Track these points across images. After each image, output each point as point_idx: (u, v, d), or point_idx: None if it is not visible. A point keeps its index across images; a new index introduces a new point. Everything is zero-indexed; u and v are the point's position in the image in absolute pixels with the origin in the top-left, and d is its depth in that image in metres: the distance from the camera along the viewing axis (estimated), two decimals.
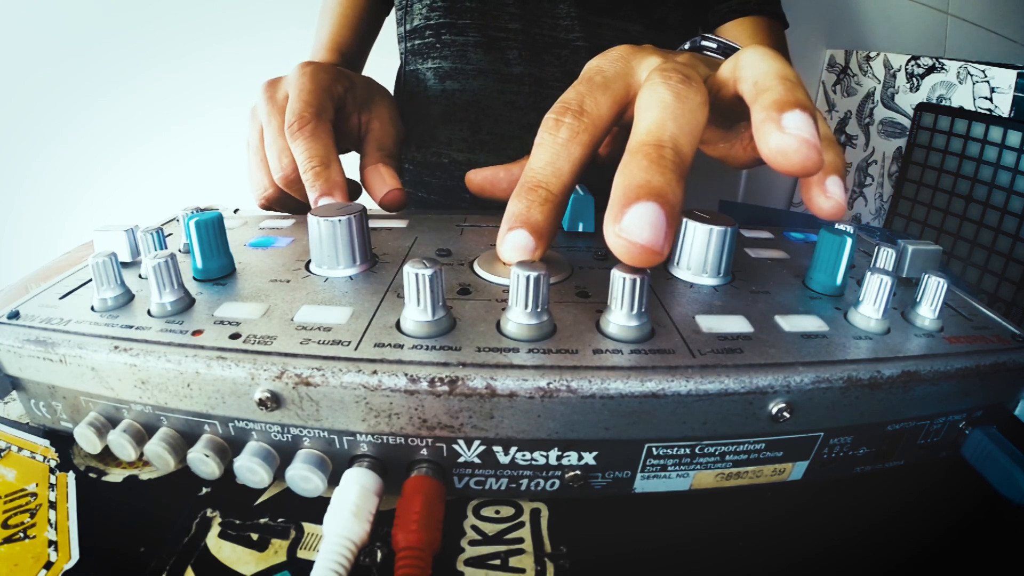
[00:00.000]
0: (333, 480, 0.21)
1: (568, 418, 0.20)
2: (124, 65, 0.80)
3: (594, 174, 0.27)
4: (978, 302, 0.27)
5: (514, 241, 0.23)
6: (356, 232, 0.26)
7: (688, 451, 0.21)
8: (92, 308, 0.24)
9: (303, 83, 0.36)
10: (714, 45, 0.35)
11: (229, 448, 0.21)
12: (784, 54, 0.45)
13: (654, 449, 0.21)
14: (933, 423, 0.23)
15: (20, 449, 0.25)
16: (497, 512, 0.22)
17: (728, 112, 0.26)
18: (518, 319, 0.21)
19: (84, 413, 0.23)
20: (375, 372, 0.19)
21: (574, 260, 0.29)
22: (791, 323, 0.23)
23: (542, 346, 0.21)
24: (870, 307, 0.23)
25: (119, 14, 0.79)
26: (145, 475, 0.23)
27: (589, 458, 0.21)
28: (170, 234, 0.33)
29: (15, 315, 0.23)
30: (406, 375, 0.19)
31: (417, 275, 0.20)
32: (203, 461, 0.21)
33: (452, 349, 0.20)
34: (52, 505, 0.22)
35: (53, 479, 0.23)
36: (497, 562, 0.20)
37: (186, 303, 0.23)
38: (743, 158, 0.30)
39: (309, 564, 0.18)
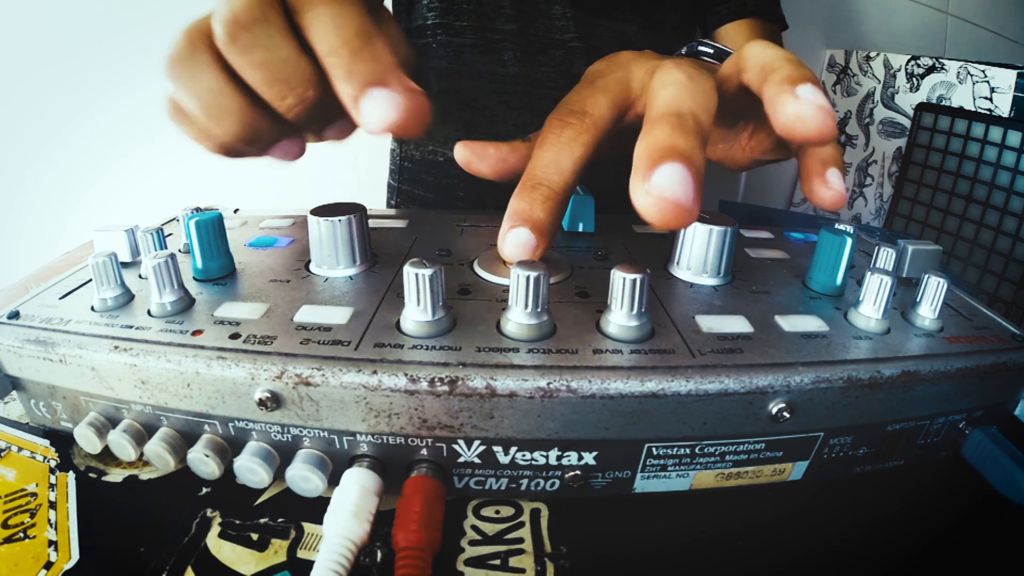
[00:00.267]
0: (333, 480, 0.21)
1: (568, 418, 0.20)
2: (124, 65, 0.79)
3: (594, 174, 0.27)
4: (978, 302, 0.27)
5: (516, 239, 0.23)
6: (356, 232, 0.26)
7: (688, 451, 0.21)
8: (92, 308, 0.23)
9: None
10: (710, 51, 0.35)
11: (229, 448, 0.21)
12: None
13: (654, 449, 0.21)
14: (933, 423, 0.23)
15: (20, 449, 0.25)
16: (497, 512, 0.22)
17: (730, 110, 0.26)
18: (518, 319, 0.21)
19: (84, 413, 0.23)
20: (375, 372, 0.19)
21: (574, 260, 0.29)
22: (791, 323, 0.23)
23: (542, 346, 0.21)
24: (870, 307, 0.23)
25: (119, 14, 0.79)
26: (145, 475, 0.23)
27: (589, 458, 0.21)
28: (170, 234, 0.33)
29: (15, 315, 0.23)
30: (406, 375, 0.19)
31: (417, 275, 0.20)
32: (203, 461, 0.21)
33: (452, 349, 0.20)
34: (52, 505, 0.22)
35: (53, 479, 0.23)
36: (497, 562, 0.20)
37: (186, 303, 0.23)
38: (742, 159, 0.30)
39: (309, 564, 0.18)
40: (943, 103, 0.66)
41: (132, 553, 0.20)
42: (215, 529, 0.21)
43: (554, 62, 0.53)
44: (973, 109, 0.62)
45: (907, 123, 0.70)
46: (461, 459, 0.21)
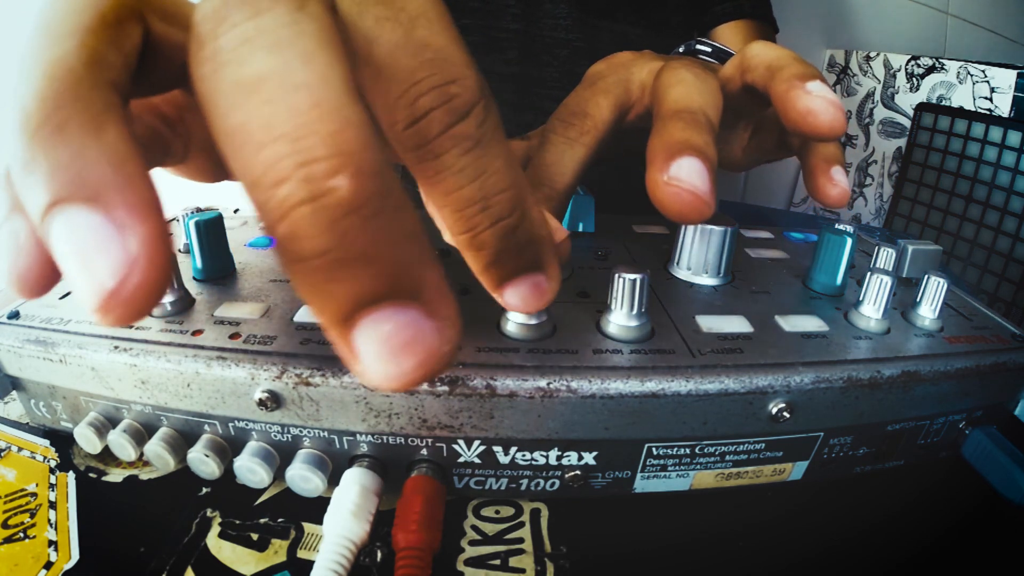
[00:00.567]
0: (333, 480, 0.21)
1: (568, 418, 0.20)
2: None
3: (594, 174, 0.27)
4: (978, 302, 0.27)
5: None
6: None
7: (688, 451, 0.21)
8: None
9: None
10: (709, 49, 0.35)
11: (229, 448, 0.21)
12: None
13: (654, 449, 0.21)
14: (933, 423, 0.23)
15: (20, 449, 0.25)
16: (497, 512, 0.22)
17: (731, 110, 0.26)
18: (518, 319, 0.21)
19: (84, 413, 0.23)
20: None
21: (574, 260, 0.29)
22: (791, 323, 0.23)
23: (542, 346, 0.21)
24: (870, 307, 0.23)
25: None
26: (145, 475, 0.23)
27: (589, 458, 0.21)
28: (170, 234, 0.33)
29: (15, 315, 0.23)
30: None
31: None
32: (203, 461, 0.21)
33: None
34: (52, 505, 0.22)
35: (53, 479, 0.23)
36: (497, 562, 0.20)
37: (186, 303, 0.23)
38: (741, 159, 0.30)
39: (309, 564, 0.18)
40: (943, 103, 0.66)
41: (132, 553, 0.20)
42: (215, 529, 0.21)
43: (557, 62, 0.53)
44: (973, 109, 0.62)
45: (907, 123, 0.70)
46: (461, 459, 0.21)
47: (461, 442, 0.20)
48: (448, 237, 0.16)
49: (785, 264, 0.30)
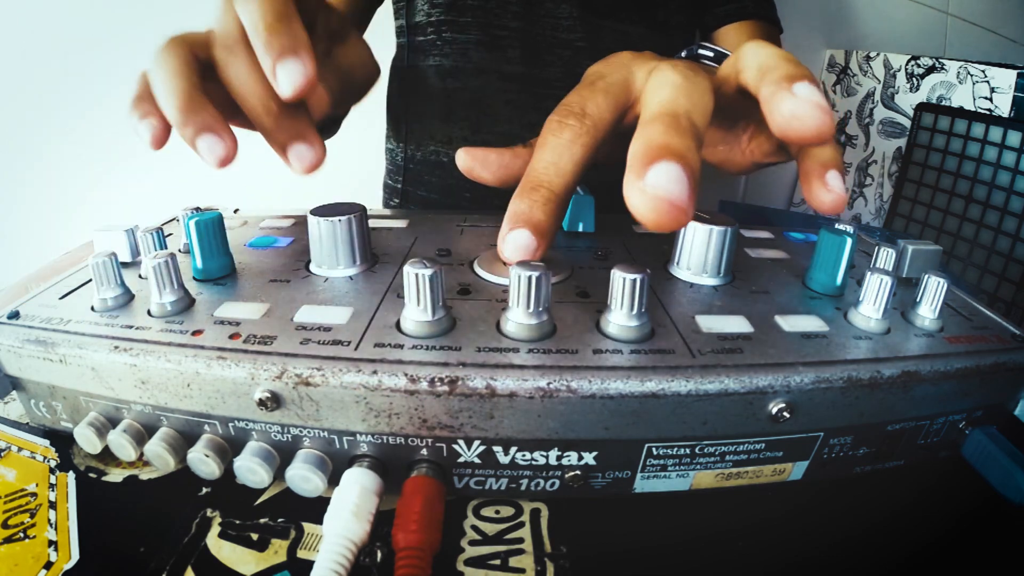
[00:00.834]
0: (333, 480, 0.21)
1: (568, 418, 0.20)
2: (125, 65, 0.80)
3: (594, 175, 0.27)
4: (978, 302, 0.27)
5: (516, 240, 0.23)
6: (356, 232, 0.26)
7: (688, 451, 0.21)
8: (92, 308, 0.23)
9: None
10: (710, 54, 0.35)
11: (229, 448, 0.21)
12: None
13: (654, 449, 0.21)
14: (933, 423, 0.23)
15: (20, 449, 0.25)
16: (497, 512, 0.22)
17: (729, 111, 0.26)
18: (518, 319, 0.21)
19: (84, 413, 0.23)
20: (375, 372, 0.19)
21: (574, 260, 0.29)
22: (791, 323, 0.23)
23: (542, 346, 0.21)
24: (870, 307, 0.23)
25: (120, 13, 0.79)
26: (145, 475, 0.23)
27: (589, 458, 0.21)
28: (170, 234, 0.33)
29: (15, 315, 0.23)
30: (406, 375, 0.19)
31: (417, 275, 0.20)
32: (203, 461, 0.21)
33: (452, 349, 0.20)
34: (52, 505, 0.22)
35: (53, 479, 0.23)
36: (497, 562, 0.20)
37: (186, 303, 0.23)
38: (741, 162, 0.30)
39: (309, 564, 0.18)
40: (943, 103, 0.66)
41: (132, 553, 0.20)
42: (215, 529, 0.21)
43: (560, 62, 0.53)
44: (973, 109, 0.62)
45: (907, 123, 0.70)
46: (461, 459, 0.21)
47: (461, 442, 0.20)
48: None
49: (785, 264, 0.30)
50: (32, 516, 0.21)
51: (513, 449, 0.20)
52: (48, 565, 0.19)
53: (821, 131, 0.20)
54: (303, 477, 0.20)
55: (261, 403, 0.20)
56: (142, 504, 0.22)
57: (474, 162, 0.29)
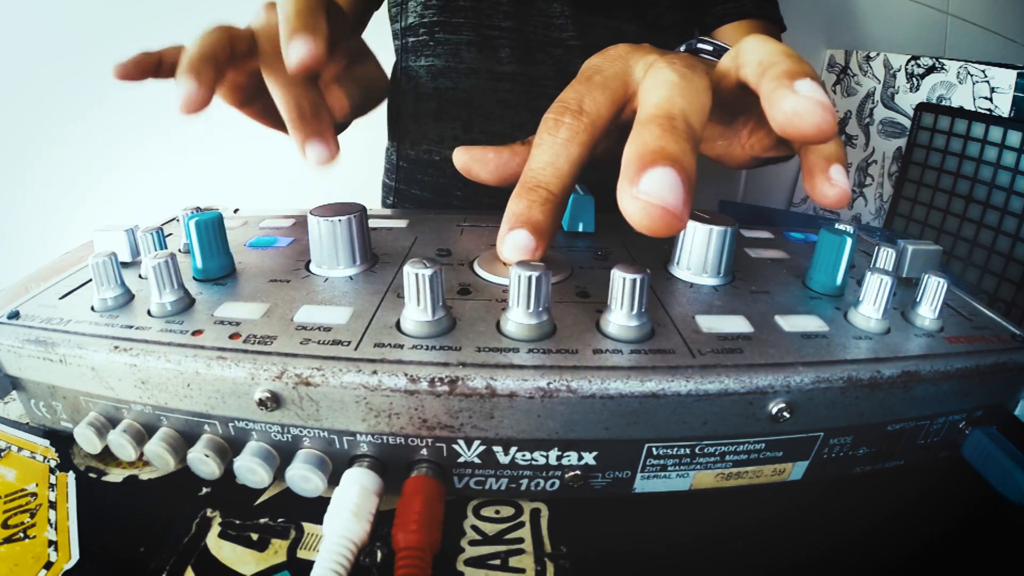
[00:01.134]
0: (333, 480, 0.21)
1: (568, 418, 0.20)
2: None
3: (593, 174, 0.27)
4: (978, 302, 0.27)
5: (515, 241, 0.23)
6: (356, 232, 0.26)
7: (688, 451, 0.21)
8: (92, 308, 0.23)
9: None
10: (710, 48, 0.35)
11: (229, 448, 0.21)
12: None
13: (654, 449, 0.21)
14: (933, 423, 0.23)
15: (20, 449, 0.25)
16: (497, 512, 0.22)
17: (728, 106, 0.26)
18: (518, 319, 0.21)
19: (84, 413, 0.23)
20: (375, 372, 0.19)
21: (574, 260, 0.29)
22: (791, 323, 0.23)
23: (542, 346, 0.21)
24: (870, 307, 0.23)
25: (120, 13, 0.79)
26: (145, 475, 0.23)
27: (589, 458, 0.21)
28: (170, 234, 0.33)
29: (15, 315, 0.23)
30: (406, 375, 0.19)
31: (417, 275, 0.20)
32: (203, 461, 0.21)
33: (452, 349, 0.20)
34: (52, 505, 0.22)
35: (53, 479, 0.23)
36: (497, 562, 0.20)
37: (186, 303, 0.23)
38: (741, 157, 0.30)
39: (309, 564, 0.18)
40: (943, 103, 0.66)
41: (132, 553, 0.20)
42: (215, 529, 0.21)
43: (552, 60, 0.53)
44: (973, 109, 0.62)
45: (907, 123, 0.70)
46: (461, 459, 0.21)
47: (461, 442, 0.20)
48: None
49: (785, 264, 0.30)
50: (32, 516, 0.21)
51: (513, 449, 0.20)
52: (48, 565, 0.19)
53: (822, 129, 0.19)
54: (303, 477, 0.20)
55: (261, 403, 0.20)
56: (142, 504, 0.22)
57: (472, 161, 0.29)
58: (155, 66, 0.29)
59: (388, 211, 0.38)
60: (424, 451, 0.21)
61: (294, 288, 0.25)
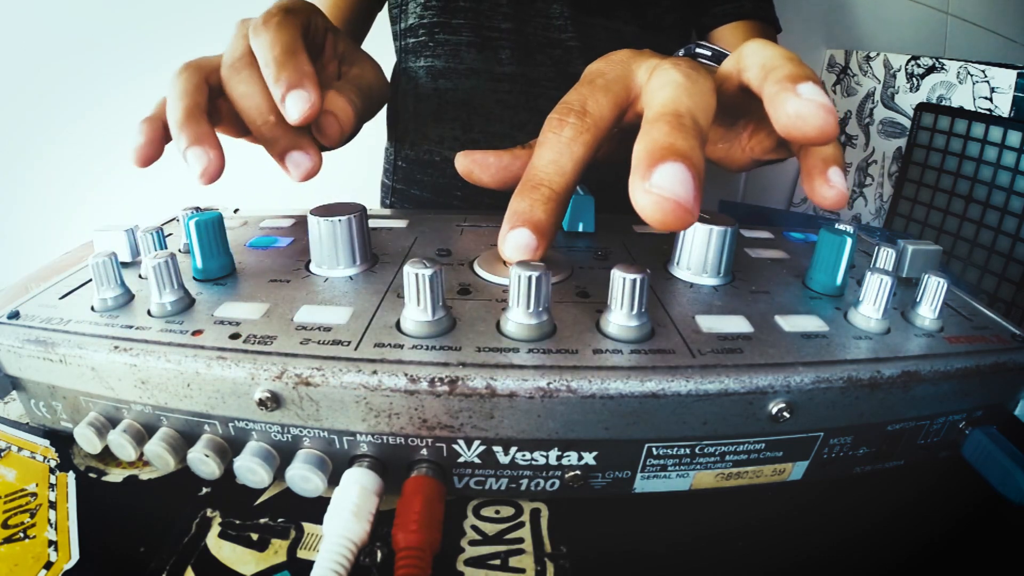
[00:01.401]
0: (333, 480, 0.21)
1: (568, 418, 0.20)
2: (125, 64, 0.80)
3: (593, 175, 0.27)
4: (978, 302, 0.27)
5: (516, 239, 0.23)
6: (356, 232, 0.26)
7: (688, 451, 0.21)
8: (92, 308, 0.23)
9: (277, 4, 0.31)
10: (708, 52, 0.35)
11: (229, 448, 0.21)
12: None
13: (654, 449, 0.21)
14: (933, 423, 0.23)
15: (20, 449, 0.25)
16: (497, 512, 0.22)
17: (730, 109, 0.26)
18: (518, 319, 0.21)
19: (84, 413, 0.23)
20: (375, 372, 0.19)
21: (574, 260, 0.29)
22: (791, 323, 0.23)
23: (542, 346, 0.21)
24: (870, 307, 0.23)
25: (120, 13, 0.79)
26: (145, 475, 0.23)
27: (589, 458, 0.21)
28: (170, 234, 0.33)
29: (15, 315, 0.23)
30: (406, 375, 0.19)
31: (417, 275, 0.20)
32: (203, 461, 0.21)
33: (452, 349, 0.20)
34: (52, 505, 0.22)
35: (53, 479, 0.23)
36: (497, 562, 0.20)
37: (186, 303, 0.23)
38: (741, 159, 0.30)
39: (309, 564, 0.18)
40: (943, 103, 0.66)
41: (132, 553, 0.20)
42: (215, 529, 0.21)
43: (551, 61, 0.53)
44: (973, 109, 0.62)
45: (907, 123, 0.70)
46: (461, 459, 0.21)
47: (461, 442, 0.20)
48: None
49: (785, 264, 0.30)
50: (32, 516, 0.21)
51: (513, 449, 0.20)
52: (48, 565, 0.19)
53: (825, 131, 0.20)
54: (303, 477, 0.20)
55: (261, 403, 0.20)
56: (142, 504, 0.22)
57: (473, 165, 0.30)
58: (164, 130, 0.29)
59: (388, 211, 0.38)
60: (424, 451, 0.21)
61: (294, 288, 0.25)
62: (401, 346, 0.21)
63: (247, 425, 0.21)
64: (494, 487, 0.22)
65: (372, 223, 0.33)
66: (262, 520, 0.21)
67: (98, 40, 0.80)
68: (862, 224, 0.76)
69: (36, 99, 0.84)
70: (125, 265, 0.28)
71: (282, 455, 0.21)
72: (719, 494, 0.23)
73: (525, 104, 0.54)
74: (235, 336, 0.21)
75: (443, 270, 0.21)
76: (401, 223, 0.34)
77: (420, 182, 0.59)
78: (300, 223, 0.34)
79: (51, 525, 0.21)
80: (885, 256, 0.27)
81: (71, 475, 0.23)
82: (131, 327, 0.22)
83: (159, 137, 0.29)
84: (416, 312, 0.21)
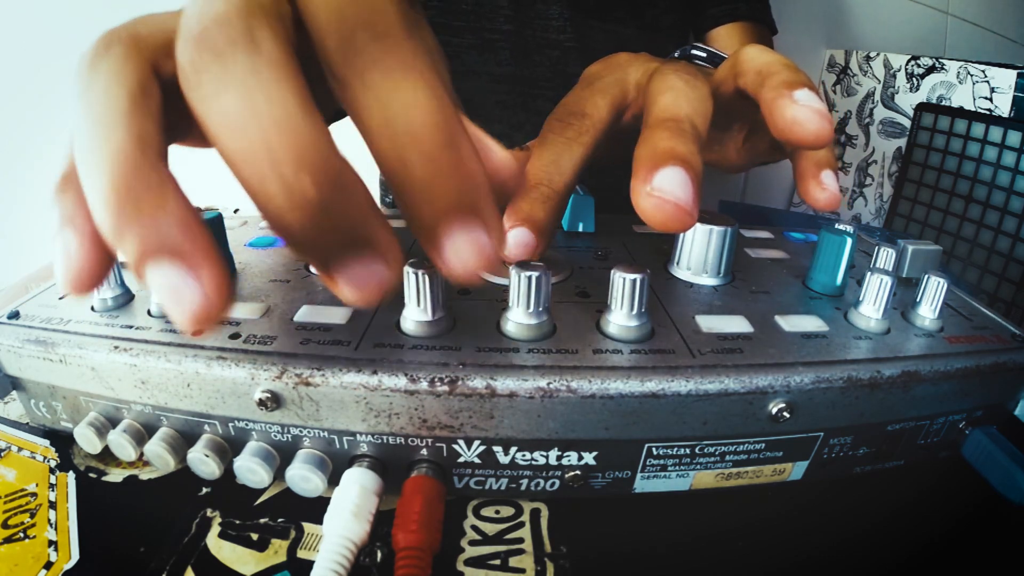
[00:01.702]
0: (333, 480, 0.21)
1: (568, 418, 0.20)
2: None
3: (593, 175, 0.27)
4: (978, 302, 0.27)
5: (515, 238, 0.23)
6: None
7: (688, 451, 0.21)
8: (92, 308, 0.23)
9: None
10: (704, 54, 0.36)
11: (229, 448, 0.21)
12: None
13: (654, 449, 0.21)
14: (933, 423, 0.23)
15: (20, 449, 0.25)
16: (497, 512, 0.22)
17: (725, 112, 0.26)
18: (518, 319, 0.21)
19: (84, 413, 0.23)
20: (375, 372, 0.19)
21: (574, 260, 0.29)
22: (791, 323, 0.23)
23: (542, 346, 0.21)
24: (870, 307, 0.23)
25: (120, 14, 0.79)
26: (145, 475, 0.23)
27: (589, 458, 0.21)
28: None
29: (15, 315, 0.23)
30: (406, 375, 0.19)
31: (417, 275, 0.20)
32: (203, 461, 0.21)
33: (452, 349, 0.20)
34: (52, 505, 0.22)
35: (53, 479, 0.23)
36: (497, 562, 0.20)
37: None
38: (736, 161, 0.30)
39: (309, 564, 0.18)
40: (943, 103, 0.65)
41: (132, 553, 0.20)
42: (215, 529, 0.21)
43: (550, 62, 0.53)
44: (973, 109, 0.62)
45: (907, 123, 0.70)
46: (461, 459, 0.21)
47: (461, 442, 0.20)
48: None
49: (785, 264, 0.30)
50: (32, 516, 0.21)
51: (513, 449, 0.20)
52: (48, 565, 0.19)
53: (821, 136, 0.20)
54: (303, 477, 0.20)
55: (261, 403, 0.20)
56: (142, 504, 0.22)
57: None
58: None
59: (388, 211, 0.38)
60: (424, 451, 0.21)
61: (294, 288, 0.25)
62: (401, 346, 0.21)
63: (247, 425, 0.21)
64: (494, 487, 0.22)
65: None
66: (262, 520, 0.21)
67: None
68: (862, 224, 0.76)
69: (36, 99, 0.84)
70: (125, 265, 0.28)
71: (282, 455, 0.21)
72: (719, 494, 0.23)
73: (523, 105, 0.54)
74: (235, 336, 0.21)
75: None
76: (401, 223, 0.34)
77: None
78: None
79: (51, 525, 0.21)
80: (885, 256, 0.27)
81: (71, 475, 0.23)
82: (131, 327, 0.22)
83: (95, 248, 0.15)
84: (416, 312, 0.21)
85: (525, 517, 0.22)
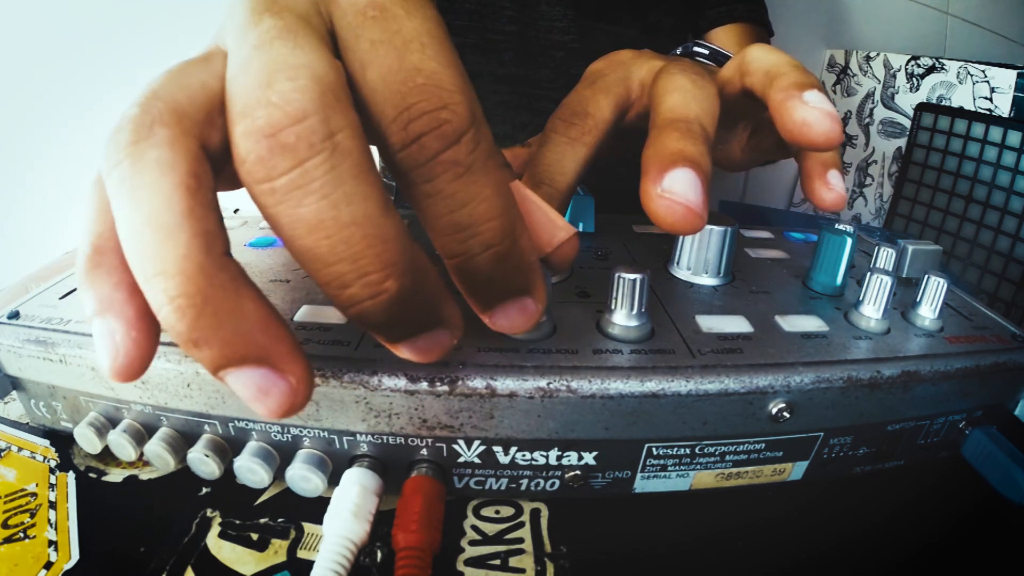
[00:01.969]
0: (333, 480, 0.21)
1: (568, 418, 0.20)
2: (125, 64, 0.80)
3: (594, 175, 0.27)
4: (978, 302, 0.27)
5: None
6: None
7: (688, 451, 0.21)
8: None
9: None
10: (706, 51, 0.36)
11: (229, 448, 0.21)
12: None
13: (654, 449, 0.21)
14: (933, 423, 0.23)
15: (20, 449, 0.25)
16: (497, 512, 0.22)
17: (730, 112, 0.26)
18: None
19: (84, 413, 0.23)
20: (375, 372, 0.19)
21: (574, 260, 0.29)
22: (791, 323, 0.23)
23: (542, 346, 0.21)
24: (870, 307, 0.23)
25: (120, 13, 0.79)
26: (145, 475, 0.23)
27: (589, 458, 0.21)
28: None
29: (15, 315, 0.23)
30: (406, 375, 0.19)
31: None
32: (203, 461, 0.21)
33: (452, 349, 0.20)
34: (52, 505, 0.22)
35: (53, 479, 0.23)
36: (497, 562, 0.20)
37: None
38: (740, 160, 0.30)
39: (309, 564, 0.18)
40: (943, 103, 0.65)
41: (132, 553, 0.20)
42: (215, 529, 0.21)
43: (553, 63, 0.53)
44: (973, 109, 0.62)
45: (907, 123, 0.70)
46: (461, 459, 0.21)
47: (461, 442, 0.20)
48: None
49: (785, 264, 0.30)
50: (32, 516, 0.21)
51: (513, 449, 0.20)
52: (48, 565, 0.19)
53: (830, 138, 0.20)
54: (303, 477, 0.20)
55: None
56: (142, 504, 0.22)
57: None
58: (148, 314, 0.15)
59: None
60: (424, 451, 0.21)
61: (294, 288, 0.25)
62: None
63: (247, 425, 0.21)
64: (494, 487, 0.22)
65: None
66: (262, 520, 0.21)
67: (99, 40, 0.80)
68: (862, 224, 0.76)
69: (36, 99, 0.84)
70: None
71: (282, 455, 0.21)
72: (719, 494, 0.23)
73: (526, 105, 0.54)
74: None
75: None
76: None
77: None
78: None
79: (51, 525, 0.21)
80: (885, 256, 0.27)
81: (71, 475, 0.23)
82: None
83: (149, 336, 0.14)
84: None
85: (525, 517, 0.22)
